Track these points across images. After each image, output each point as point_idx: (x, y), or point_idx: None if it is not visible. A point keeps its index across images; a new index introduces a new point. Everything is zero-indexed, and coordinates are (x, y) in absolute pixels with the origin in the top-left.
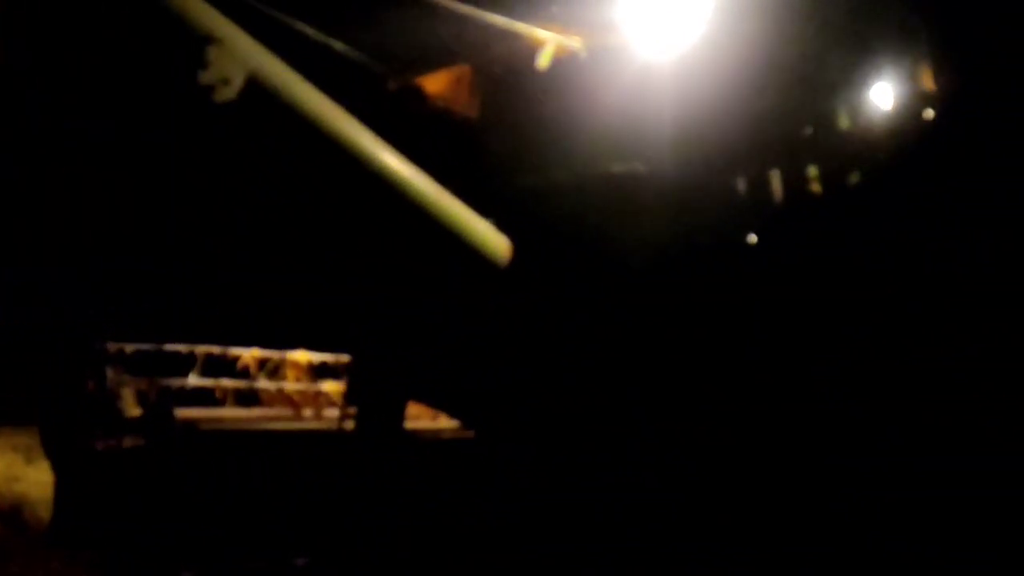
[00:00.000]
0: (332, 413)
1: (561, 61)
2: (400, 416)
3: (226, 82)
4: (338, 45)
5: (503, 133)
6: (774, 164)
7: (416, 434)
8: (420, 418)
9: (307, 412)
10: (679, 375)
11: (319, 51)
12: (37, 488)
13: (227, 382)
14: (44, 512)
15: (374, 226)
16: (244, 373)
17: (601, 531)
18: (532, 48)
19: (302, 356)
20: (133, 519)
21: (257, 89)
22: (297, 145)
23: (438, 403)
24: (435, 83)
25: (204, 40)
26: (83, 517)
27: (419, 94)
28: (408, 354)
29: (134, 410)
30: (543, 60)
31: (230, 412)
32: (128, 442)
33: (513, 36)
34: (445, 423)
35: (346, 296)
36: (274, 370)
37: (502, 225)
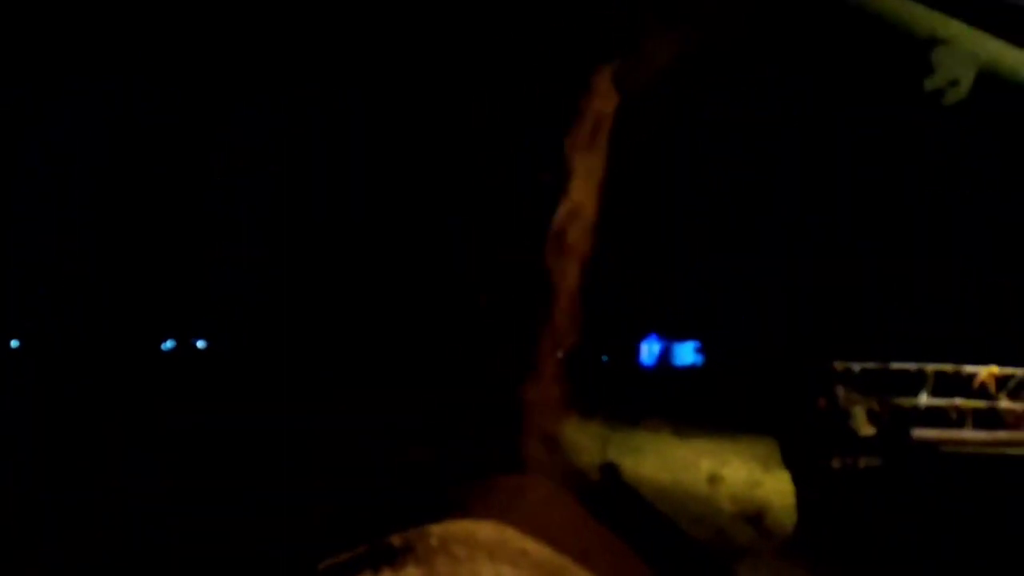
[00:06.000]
0: None
1: None
2: None
3: (955, 83)
4: None
5: None
6: None
7: None
8: None
9: None
10: None
11: None
12: (776, 496)
13: (962, 401)
14: (785, 519)
15: None
16: (982, 392)
17: None
18: None
19: None
20: (872, 539)
21: (990, 81)
22: None
23: None
24: None
25: (928, 43)
26: (823, 531)
27: None
28: None
29: (867, 429)
30: None
31: (971, 434)
32: (864, 462)
33: None
34: None
35: None
36: (1017, 388)
37: None
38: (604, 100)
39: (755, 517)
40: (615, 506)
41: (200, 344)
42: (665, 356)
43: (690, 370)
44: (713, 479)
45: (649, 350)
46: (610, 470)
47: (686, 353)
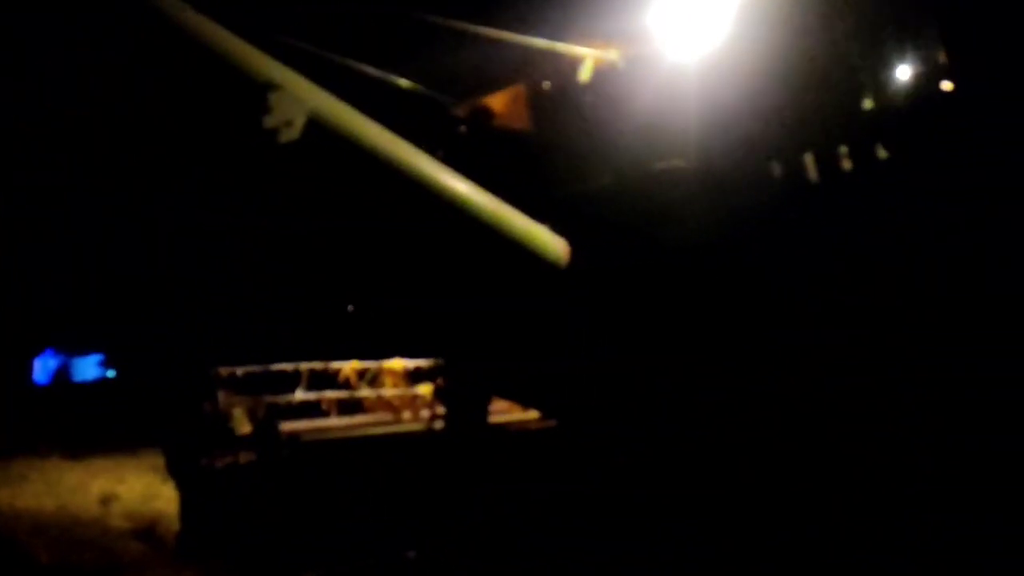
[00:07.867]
0: (428, 414)
1: (602, 72)
2: (484, 411)
3: (289, 124)
4: (402, 81)
5: (555, 143)
6: (808, 147)
7: (503, 427)
8: (510, 412)
9: (406, 415)
10: (730, 360)
11: (383, 88)
12: (171, 504)
13: (331, 393)
14: (178, 526)
15: (445, 242)
16: (346, 384)
17: (682, 509)
18: (575, 64)
19: (398, 364)
20: (254, 528)
21: (318, 128)
22: (362, 175)
23: (518, 397)
24: (494, 104)
25: (265, 87)
26: (209, 529)
27: (488, 115)
28: (487, 354)
29: (245, 427)
30: (584, 73)
31: (334, 421)
32: (243, 458)
33: (557, 55)
34: (533, 415)
35: (431, 307)
36: (373, 379)
37: (559, 228)
38: None
39: (146, 530)
40: None
41: None
42: (64, 372)
43: (93, 385)
44: (106, 499)
45: (44, 367)
46: None
47: (88, 368)
